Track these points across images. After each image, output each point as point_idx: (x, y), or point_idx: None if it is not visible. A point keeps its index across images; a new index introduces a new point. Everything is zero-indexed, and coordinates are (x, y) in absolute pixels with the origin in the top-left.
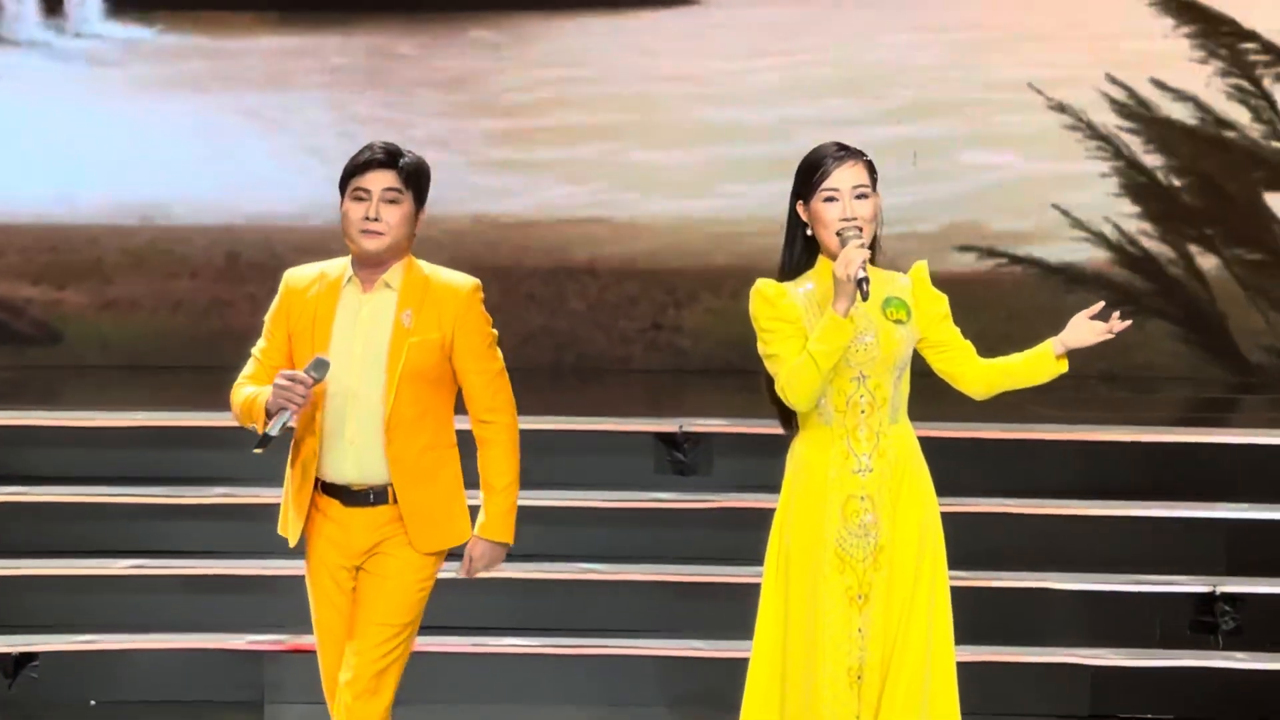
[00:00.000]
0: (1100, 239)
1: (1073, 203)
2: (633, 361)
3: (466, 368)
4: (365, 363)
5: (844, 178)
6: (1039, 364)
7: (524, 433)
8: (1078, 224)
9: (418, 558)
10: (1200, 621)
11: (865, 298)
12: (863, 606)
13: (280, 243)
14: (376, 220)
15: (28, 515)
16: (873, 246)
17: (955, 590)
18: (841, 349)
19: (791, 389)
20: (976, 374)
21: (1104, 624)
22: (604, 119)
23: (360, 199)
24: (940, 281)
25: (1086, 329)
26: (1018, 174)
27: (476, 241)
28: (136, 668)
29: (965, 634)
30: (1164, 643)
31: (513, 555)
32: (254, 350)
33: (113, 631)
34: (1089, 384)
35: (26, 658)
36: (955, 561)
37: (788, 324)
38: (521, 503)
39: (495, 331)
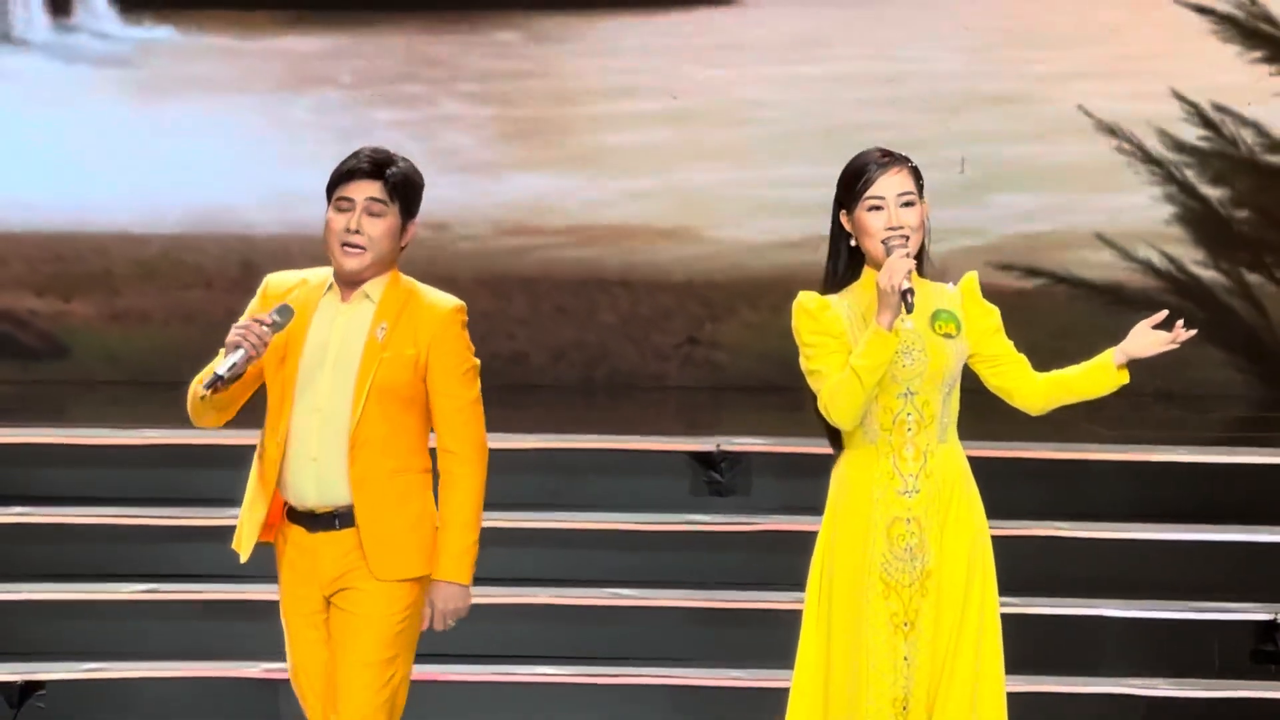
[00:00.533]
0: (1147, 266)
1: (1121, 224)
2: (667, 378)
3: (439, 391)
4: (336, 375)
5: (888, 185)
6: (1099, 376)
7: (554, 452)
8: (1126, 254)
9: (387, 587)
10: (1261, 651)
11: (910, 309)
12: (908, 634)
13: (299, 252)
14: (358, 233)
15: (33, 537)
16: (920, 256)
17: (1004, 617)
18: (886, 364)
19: (834, 406)
20: (1032, 388)
21: (1160, 653)
22: (638, 124)
23: (343, 209)
24: (990, 294)
25: (1150, 339)
26: (1063, 190)
27: (502, 251)
28: (147, 697)
29: (1015, 663)
30: (1223, 673)
31: (542, 580)
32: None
33: (122, 659)
34: (1143, 402)
35: (32, 687)
36: (1004, 587)
37: (831, 338)
38: (552, 525)
39: (477, 361)
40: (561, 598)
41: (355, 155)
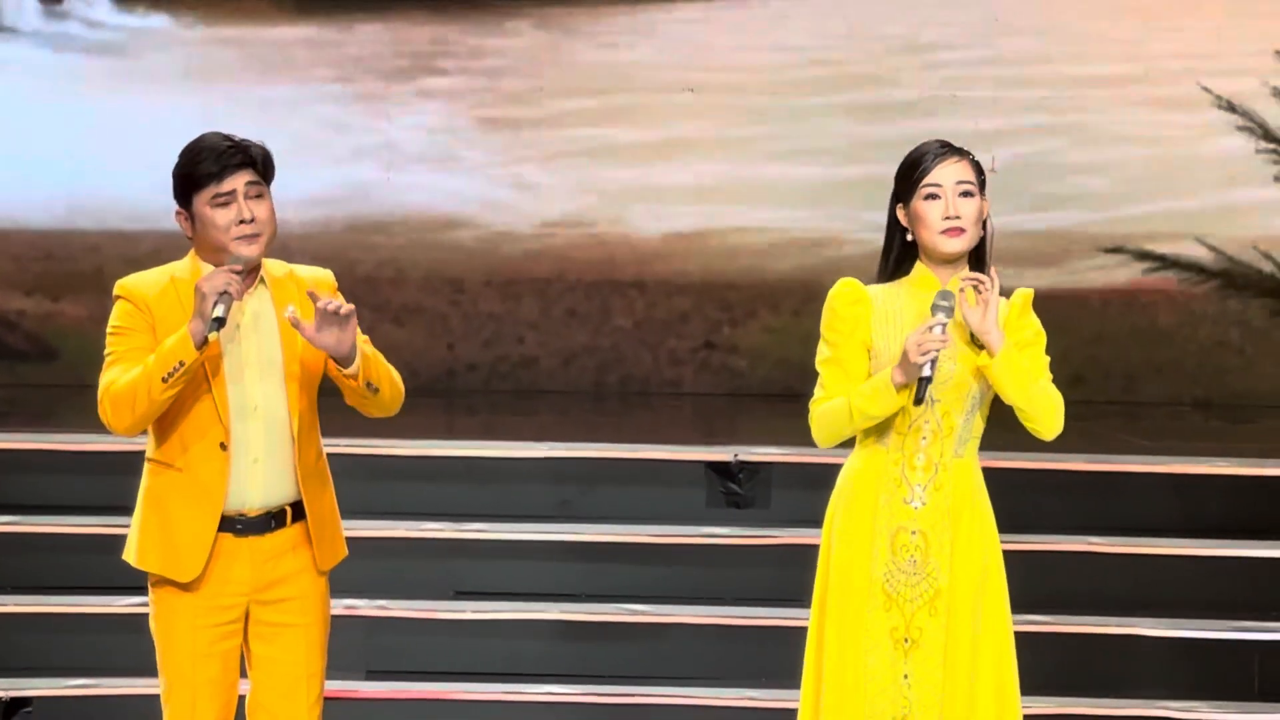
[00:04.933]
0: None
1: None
2: (683, 384)
3: None
4: (261, 370)
5: (946, 174)
6: (991, 365)
7: (564, 460)
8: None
9: (322, 585)
10: None
11: (919, 402)
12: (909, 650)
13: (298, 250)
14: (251, 220)
15: (20, 547)
16: (980, 254)
17: (1034, 636)
18: (884, 416)
19: (816, 425)
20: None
21: (1197, 674)
22: (653, 119)
23: (225, 203)
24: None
25: (973, 310)
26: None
27: (513, 251)
28: (139, 714)
29: (1045, 683)
30: (1263, 695)
31: (551, 595)
32: (112, 352)
33: (112, 675)
34: (1182, 412)
35: (19, 703)
36: (1034, 605)
37: (844, 338)
38: (562, 537)
39: None
40: (571, 613)
41: (215, 150)
